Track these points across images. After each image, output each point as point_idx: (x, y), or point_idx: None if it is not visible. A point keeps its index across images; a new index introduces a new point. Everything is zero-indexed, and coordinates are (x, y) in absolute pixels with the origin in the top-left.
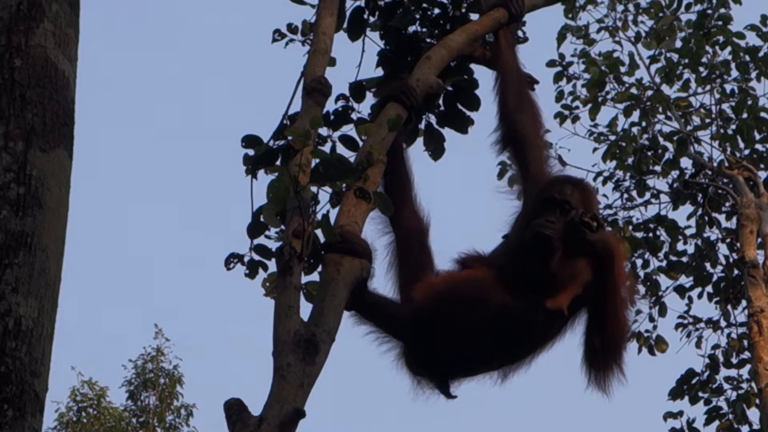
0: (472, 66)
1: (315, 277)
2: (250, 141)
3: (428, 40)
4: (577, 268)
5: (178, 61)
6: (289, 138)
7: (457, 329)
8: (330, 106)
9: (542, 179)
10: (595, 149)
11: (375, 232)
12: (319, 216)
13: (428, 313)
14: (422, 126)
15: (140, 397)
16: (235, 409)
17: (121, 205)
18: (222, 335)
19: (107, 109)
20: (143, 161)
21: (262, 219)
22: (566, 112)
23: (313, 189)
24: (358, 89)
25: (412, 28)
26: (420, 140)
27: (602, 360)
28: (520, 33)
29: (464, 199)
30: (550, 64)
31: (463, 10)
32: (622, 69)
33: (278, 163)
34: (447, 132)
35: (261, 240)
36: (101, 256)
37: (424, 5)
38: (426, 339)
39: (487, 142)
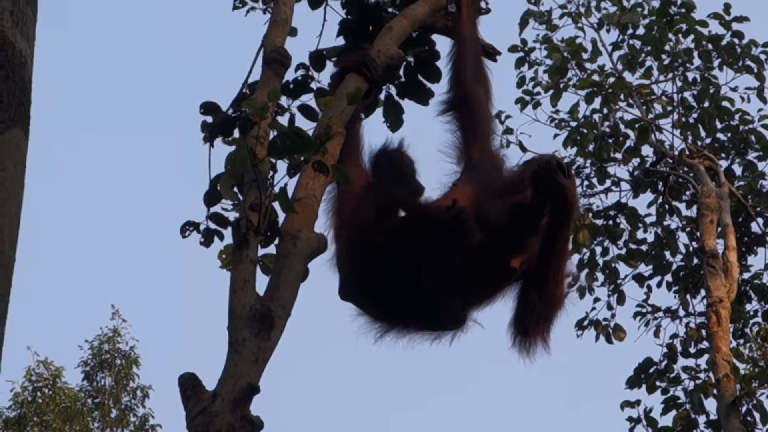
0: (434, 37)
1: (272, 249)
2: (208, 108)
3: (390, 9)
4: (541, 226)
5: (138, 27)
6: (247, 110)
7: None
8: (290, 75)
9: (488, 152)
10: (555, 135)
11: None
12: (276, 189)
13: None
14: (382, 97)
15: (96, 378)
16: (189, 384)
17: (75, 179)
18: (179, 311)
19: (64, 86)
20: (98, 127)
21: (218, 189)
22: (527, 98)
23: (271, 161)
24: (318, 58)
25: None
26: (379, 110)
27: (534, 323)
28: (483, 4)
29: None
30: (512, 49)
31: None
32: (585, 55)
33: (236, 134)
34: (406, 103)
35: (217, 209)
36: (57, 233)
37: None
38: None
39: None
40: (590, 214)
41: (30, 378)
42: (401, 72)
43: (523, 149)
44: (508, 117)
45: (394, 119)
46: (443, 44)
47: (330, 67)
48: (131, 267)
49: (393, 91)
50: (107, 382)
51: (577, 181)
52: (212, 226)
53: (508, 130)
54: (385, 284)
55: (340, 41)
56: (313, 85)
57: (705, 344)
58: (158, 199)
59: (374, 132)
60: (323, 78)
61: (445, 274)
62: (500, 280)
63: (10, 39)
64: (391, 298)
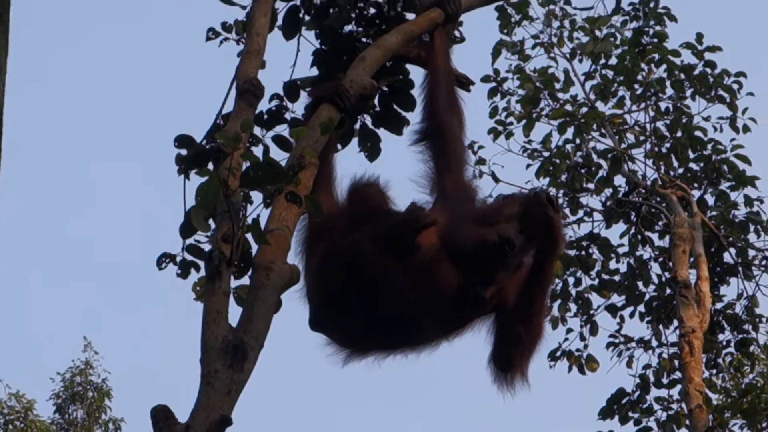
0: (407, 66)
1: (246, 281)
2: (182, 141)
3: (364, 39)
4: (518, 264)
5: (111, 58)
6: (220, 141)
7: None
8: (264, 105)
9: (461, 183)
10: (528, 166)
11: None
12: (249, 220)
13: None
14: (357, 126)
15: (68, 411)
16: (161, 416)
17: (53, 208)
18: (151, 343)
19: (34, 117)
20: (75, 158)
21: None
22: (500, 128)
23: (244, 192)
24: (292, 89)
25: (347, 28)
26: (355, 140)
27: (516, 357)
28: (456, 33)
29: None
30: (485, 79)
31: (399, 10)
32: (557, 85)
33: (209, 165)
34: (383, 132)
35: (194, 240)
36: (31, 266)
37: (360, 5)
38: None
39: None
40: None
41: (1, 411)
42: (376, 101)
43: (496, 179)
44: (480, 147)
45: (371, 148)
46: (417, 73)
47: (304, 98)
48: (103, 299)
49: (368, 120)
50: (79, 414)
51: None
52: (188, 257)
53: (481, 161)
54: (355, 312)
55: (314, 72)
56: (288, 116)
57: (678, 375)
58: (132, 231)
59: (352, 162)
60: (297, 108)
61: (414, 302)
62: (470, 310)
63: None
64: (362, 326)
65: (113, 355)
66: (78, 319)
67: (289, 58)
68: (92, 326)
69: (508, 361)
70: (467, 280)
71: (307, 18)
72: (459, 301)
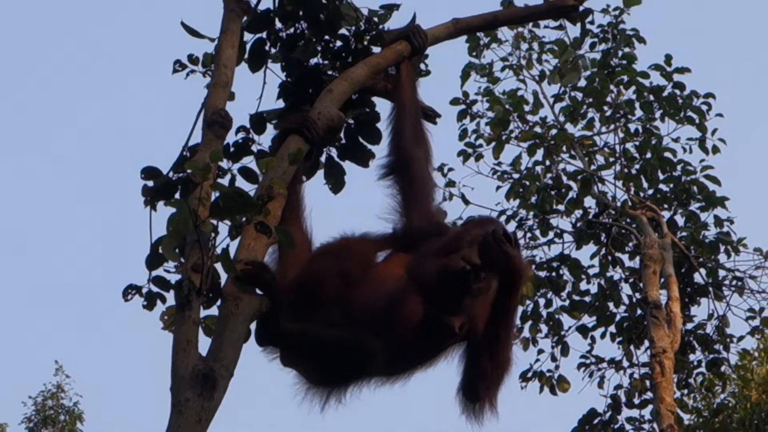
0: (374, 99)
1: (214, 311)
2: (149, 173)
3: (330, 72)
4: (485, 290)
5: (77, 87)
6: (189, 171)
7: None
8: (230, 137)
9: (427, 214)
10: (498, 188)
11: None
12: (218, 250)
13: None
14: (323, 159)
15: None
16: None
17: (20, 236)
18: (123, 367)
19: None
20: (41, 189)
21: (160, 251)
22: (470, 150)
23: (213, 222)
24: (258, 121)
25: (313, 61)
26: (320, 173)
27: (483, 389)
28: (422, 66)
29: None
30: (454, 102)
31: (366, 43)
32: (526, 107)
33: (177, 195)
34: (347, 165)
35: (159, 272)
36: (1, 289)
37: (326, 38)
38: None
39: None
40: (533, 266)
41: None
42: (342, 134)
43: (466, 202)
44: (450, 170)
45: (335, 181)
46: (383, 105)
47: (270, 130)
48: (75, 323)
49: (334, 153)
50: None
51: (520, 234)
52: (154, 289)
53: (451, 183)
54: (325, 347)
55: (281, 104)
56: (254, 148)
57: (649, 395)
58: (103, 257)
59: (317, 194)
60: (264, 141)
61: (383, 334)
62: (440, 340)
63: None
64: (331, 360)
65: (84, 378)
66: (49, 343)
67: (255, 91)
68: (63, 350)
69: (476, 392)
70: (435, 310)
71: (273, 50)
72: (428, 331)
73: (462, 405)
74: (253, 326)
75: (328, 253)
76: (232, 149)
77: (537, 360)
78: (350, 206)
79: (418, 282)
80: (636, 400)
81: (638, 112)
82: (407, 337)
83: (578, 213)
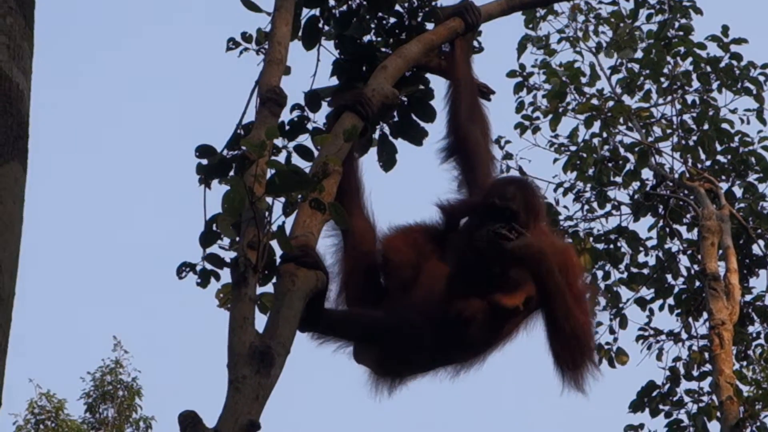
0: (428, 76)
1: (270, 288)
2: (203, 151)
3: (384, 49)
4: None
5: (131, 68)
6: (244, 149)
7: (422, 325)
8: (285, 115)
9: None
10: (555, 160)
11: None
12: (274, 227)
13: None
14: (376, 136)
15: (99, 410)
16: (189, 421)
17: (76, 213)
18: (181, 342)
19: (59, 128)
20: (95, 173)
21: (215, 228)
22: (527, 123)
23: (268, 200)
24: (313, 99)
25: (367, 38)
26: (373, 150)
27: (570, 359)
28: (476, 43)
29: (416, 211)
30: (511, 74)
31: (419, 20)
32: (583, 79)
33: (232, 173)
34: (400, 143)
35: (213, 249)
36: (58, 265)
37: (380, 14)
38: (398, 338)
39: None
40: (591, 239)
41: (32, 411)
42: (395, 111)
43: (523, 174)
44: (507, 142)
45: (387, 159)
46: (438, 84)
47: (325, 108)
48: (133, 298)
49: (387, 130)
50: (110, 413)
51: (578, 206)
52: (208, 266)
53: (508, 156)
54: (394, 340)
55: (334, 81)
56: (309, 126)
57: (708, 367)
58: (159, 232)
59: (366, 172)
60: (319, 118)
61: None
62: (503, 321)
63: (7, 73)
64: (396, 350)
65: (143, 354)
66: (107, 319)
67: (309, 68)
68: (122, 326)
69: (563, 362)
70: (491, 291)
71: (326, 28)
72: (490, 314)
73: (559, 377)
74: None
75: (402, 242)
76: (287, 127)
77: (595, 332)
78: (401, 184)
79: (464, 267)
80: (695, 373)
81: (695, 84)
82: (471, 326)
83: (636, 185)
